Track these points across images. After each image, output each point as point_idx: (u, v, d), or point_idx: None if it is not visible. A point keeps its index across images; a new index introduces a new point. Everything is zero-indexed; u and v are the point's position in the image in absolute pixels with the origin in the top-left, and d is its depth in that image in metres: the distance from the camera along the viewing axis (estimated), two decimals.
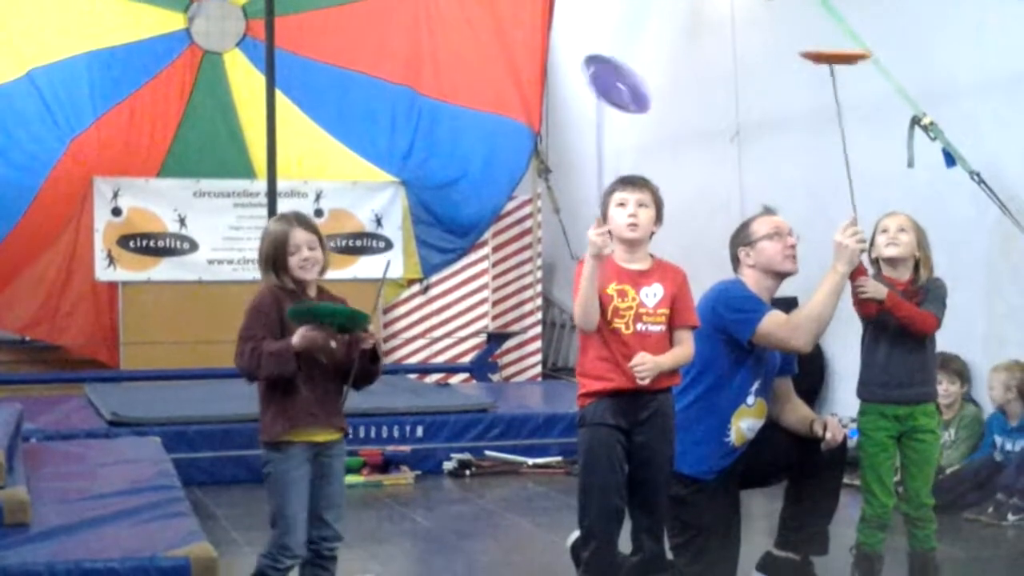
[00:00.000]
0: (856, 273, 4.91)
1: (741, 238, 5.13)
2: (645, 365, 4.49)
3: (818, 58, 5.24)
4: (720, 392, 4.95)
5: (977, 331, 7.94)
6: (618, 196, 4.66)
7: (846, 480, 7.66)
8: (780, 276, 5.10)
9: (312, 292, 4.56)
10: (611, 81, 4.73)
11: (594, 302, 4.52)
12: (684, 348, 4.66)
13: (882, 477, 5.05)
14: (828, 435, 4.95)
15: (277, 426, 4.42)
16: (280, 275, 4.46)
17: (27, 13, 11.24)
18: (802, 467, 5.04)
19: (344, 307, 4.43)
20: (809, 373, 9.45)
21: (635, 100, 4.77)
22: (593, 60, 4.59)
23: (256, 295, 4.50)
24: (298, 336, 4.32)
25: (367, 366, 4.49)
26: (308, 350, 4.34)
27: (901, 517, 5.15)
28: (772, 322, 4.90)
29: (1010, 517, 6.73)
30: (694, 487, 4.93)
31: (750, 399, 4.98)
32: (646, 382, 4.51)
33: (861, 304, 4.99)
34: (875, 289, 4.92)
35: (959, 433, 7.44)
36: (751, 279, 5.08)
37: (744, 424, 5.00)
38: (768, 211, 5.26)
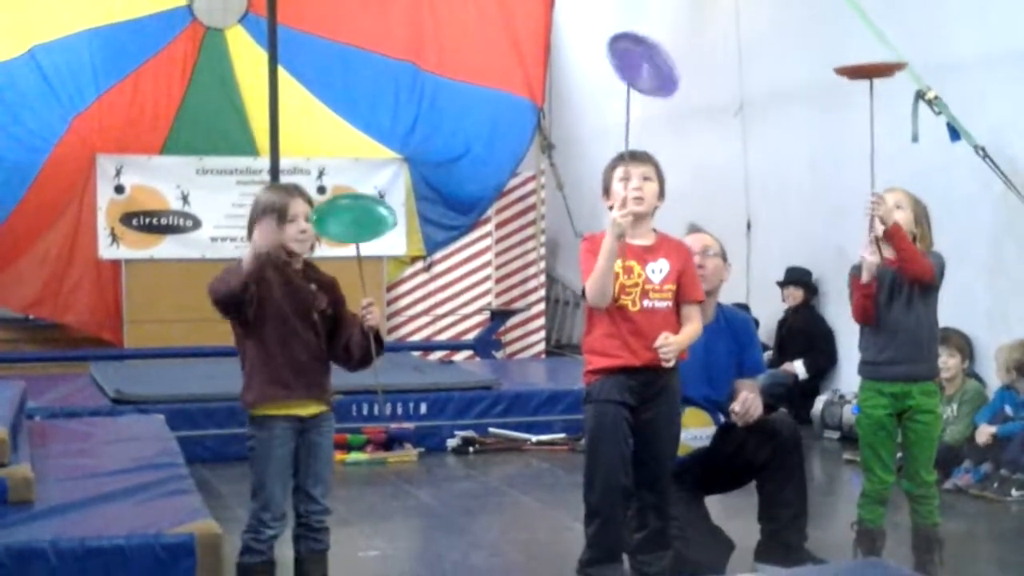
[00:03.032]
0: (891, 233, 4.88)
1: None
2: (669, 347, 4.48)
3: (854, 73, 5.14)
4: None
5: (981, 306, 7.93)
6: (621, 171, 4.63)
7: (848, 456, 7.75)
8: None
9: (298, 266, 4.53)
10: (637, 63, 4.66)
11: (611, 280, 4.50)
12: (694, 324, 4.65)
13: (880, 454, 5.05)
14: (737, 407, 4.95)
15: (250, 394, 4.44)
16: None
17: None
18: (761, 463, 5.03)
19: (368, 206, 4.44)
20: (822, 352, 9.46)
21: (660, 84, 4.67)
22: (623, 39, 4.50)
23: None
24: (252, 247, 4.29)
25: (368, 345, 4.48)
26: (261, 254, 4.29)
27: (904, 493, 5.15)
28: None
29: (1014, 492, 6.73)
30: None
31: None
32: (671, 363, 4.50)
33: (860, 312, 4.98)
34: (887, 213, 4.86)
35: (961, 409, 7.42)
36: None
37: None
38: (693, 228, 5.28)
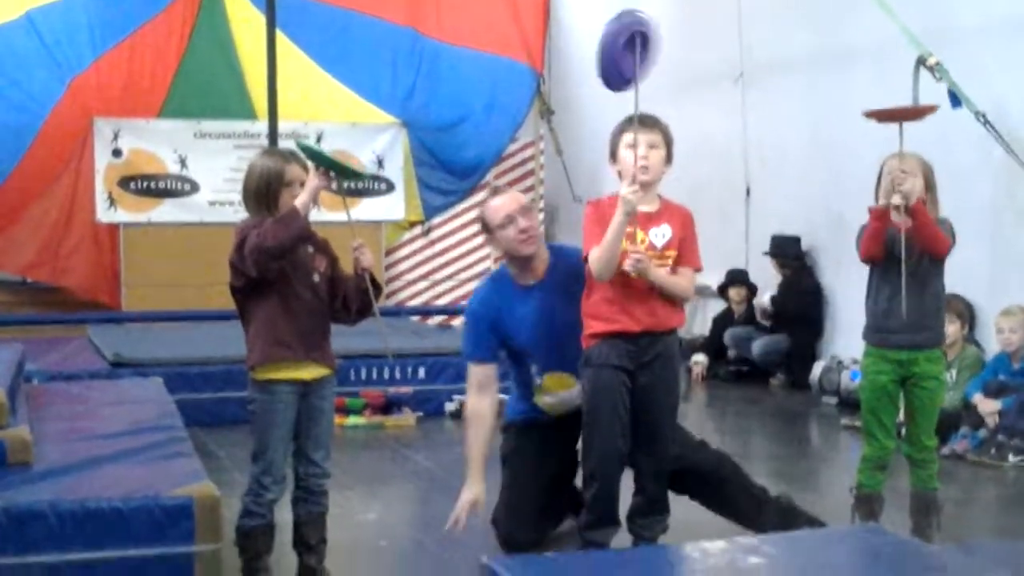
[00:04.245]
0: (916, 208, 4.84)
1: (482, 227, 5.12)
2: (642, 260, 4.44)
3: (882, 116, 5.06)
4: (516, 377, 5.14)
5: (981, 273, 7.92)
6: (628, 137, 4.59)
7: (846, 421, 7.76)
8: (526, 259, 5.04)
9: None
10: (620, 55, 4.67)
11: (617, 255, 4.48)
12: (682, 280, 4.63)
13: (882, 420, 5.03)
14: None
15: (253, 355, 4.44)
16: (272, 212, 4.43)
17: None
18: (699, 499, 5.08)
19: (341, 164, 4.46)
20: (810, 314, 9.48)
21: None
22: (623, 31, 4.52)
23: (243, 226, 4.45)
24: (307, 187, 4.30)
25: (368, 287, 4.47)
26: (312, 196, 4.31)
27: (902, 458, 5.15)
28: None
29: (1011, 458, 6.76)
30: (508, 429, 5.19)
31: (537, 380, 5.02)
32: (631, 271, 4.46)
33: (870, 242, 4.92)
34: (911, 191, 4.81)
35: (960, 375, 7.44)
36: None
37: (548, 399, 5.04)
38: (496, 191, 5.27)
